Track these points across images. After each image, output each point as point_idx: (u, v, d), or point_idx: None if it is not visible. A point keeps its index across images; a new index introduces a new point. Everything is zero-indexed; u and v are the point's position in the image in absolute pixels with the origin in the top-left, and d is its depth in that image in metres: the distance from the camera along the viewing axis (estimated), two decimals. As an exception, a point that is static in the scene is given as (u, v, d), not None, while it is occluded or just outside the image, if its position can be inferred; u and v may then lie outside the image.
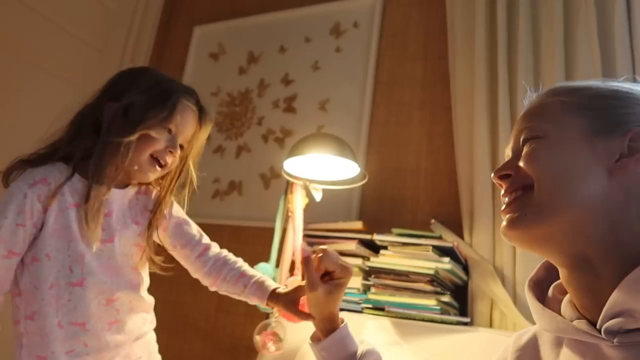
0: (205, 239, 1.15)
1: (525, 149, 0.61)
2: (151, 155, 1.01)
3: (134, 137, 0.97)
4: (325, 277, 0.89)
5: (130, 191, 1.06)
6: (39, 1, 2.10)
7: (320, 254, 0.88)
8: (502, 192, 0.63)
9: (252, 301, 1.06)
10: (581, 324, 0.55)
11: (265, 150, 2.09)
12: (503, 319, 1.40)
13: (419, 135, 1.81)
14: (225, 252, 1.14)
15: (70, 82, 2.23)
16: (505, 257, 1.43)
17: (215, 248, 1.14)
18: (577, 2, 1.51)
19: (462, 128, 1.63)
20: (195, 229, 1.16)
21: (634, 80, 0.64)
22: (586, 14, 1.49)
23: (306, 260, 0.87)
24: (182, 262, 1.14)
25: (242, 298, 1.08)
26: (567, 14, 1.53)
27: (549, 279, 0.65)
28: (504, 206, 0.62)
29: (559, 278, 0.63)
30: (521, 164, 0.60)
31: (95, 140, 0.99)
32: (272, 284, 1.06)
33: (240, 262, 1.12)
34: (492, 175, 0.64)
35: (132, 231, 1.04)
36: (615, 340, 0.51)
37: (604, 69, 1.44)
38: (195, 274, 1.13)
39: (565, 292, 0.62)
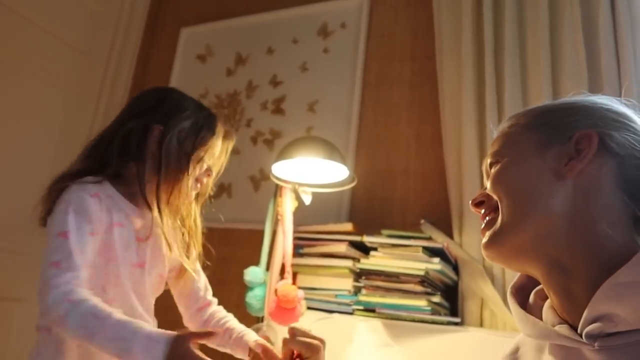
0: (209, 294, 1.17)
1: (490, 174, 0.66)
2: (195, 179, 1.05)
3: (191, 169, 1.01)
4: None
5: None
6: (22, 3, 2.07)
7: (285, 337, 0.89)
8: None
9: (237, 354, 1.08)
10: (563, 329, 0.56)
11: (255, 152, 2.08)
12: (493, 319, 1.41)
13: (408, 136, 1.81)
14: (222, 311, 1.16)
15: (54, 85, 2.21)
16: (495, 256, 1.44)
17: (214, 305, 1.17)
18: (562, 3, 1.52)
19: (450, 128, 1.63)
20: (203, 281, 1.17)
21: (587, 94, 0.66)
22: (571, 14, 1.50)
23: (265, 353, 0.83)
24: (180, 307, 1.17)
25: (228, 350, 1.10)
26: (552, 14, 1.54)
27: (530, 285, 0.67)
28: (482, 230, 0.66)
29: (540, 284, 0.64)
30: (487, 187, 0.65)
31: (139, 162, 1.00)
32: (250, 338, 1.06)
33: (230, 318, 1.14)
34: (470, 204, 0.68)
35: (161, 260, 1.06)
36: (596, 344, 0.52)
37: (589, 68, 1.45)
38: (188, 323, 1.16)
39: (546, 298, 0.63)
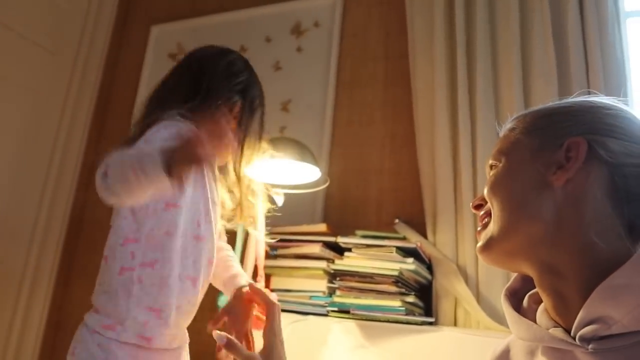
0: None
1: (487, 178, 0.67)
2: None
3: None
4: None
5: None
6: (-15, 1, 2.00)
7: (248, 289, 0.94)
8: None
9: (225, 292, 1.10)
10: (557, 332, 0.56)
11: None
12: (467, 317, 1.42)
13: (382, 135, 1.81)
14: (229, 250, 1.18)
15: (21, 85, 2.14)
16: (468, 255, 1.45)
17: (223, 236, 1.19)
18: (532, 3, 1.54)
19: (423, 127, 1.63)
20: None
21: (588, 95, 0.66)
22: (541, 14, 1.52)
23: (229, 346, 0.84)
24: None
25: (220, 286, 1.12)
26: (522, 15, 1.56)
27: (524, 288, 0.67)
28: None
29: (534, 287, 0.64)
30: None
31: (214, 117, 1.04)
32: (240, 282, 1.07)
33: (233, 259, 1.16)
34: (470, 206, 0.70)
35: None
36: (589, 346, 0.52)
37: (558, 67, 1.47)
38: None
39: (540, 302, 0.63)
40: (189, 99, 1.05)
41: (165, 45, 2.35)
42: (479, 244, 0.64)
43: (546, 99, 1.45)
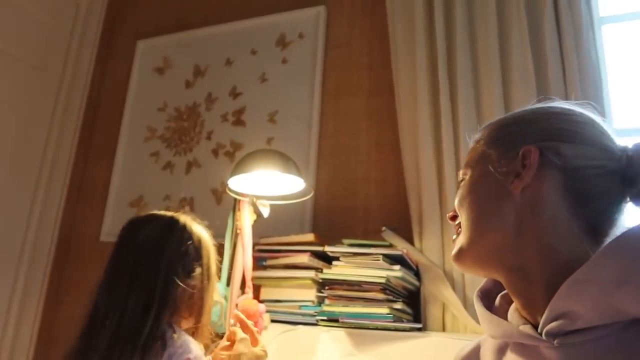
0: None
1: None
2: None
3: None
4: None
5: None
6: (-31, 19, 2.00)
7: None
8: None
9: None
10: (525, 328, 0.58)
11: (216, 165, 2.06)
12: (455, 322, 1.43)
13: (368, 145, 1.83)
14: None
15: (7, 102, 2.14)
16: (454, 260, 1.47)
17: None
18: (509, 13, 1.57)
19: (407, 136, 1.66)
20: None
21: (547, 101, 0.68)
22: (519, 21, 1.55)
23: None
24: None
25: None
26: (500, 24, 1.59)
27: (496, 289, 0.69)
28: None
29: (504, 288, 0.66)
30: None
31: None
32: None
33: None
34: (447, 217, 0.73)
35: None
36: (555, 341, 0.53)
37: (536, 74, 1.50)
38: None
39: (512, 302, 0.65)
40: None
41: (151, 60, 2.37)
42: (452, 253, 0.68)
43: (526, 103, 1.47)
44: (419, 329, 1.38)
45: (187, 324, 1.04)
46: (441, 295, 1.44)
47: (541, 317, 0.56)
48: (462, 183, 0.68)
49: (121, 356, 0.91)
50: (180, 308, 1.02)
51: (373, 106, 1.87)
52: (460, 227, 0.67)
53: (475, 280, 1.42)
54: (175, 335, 0.96)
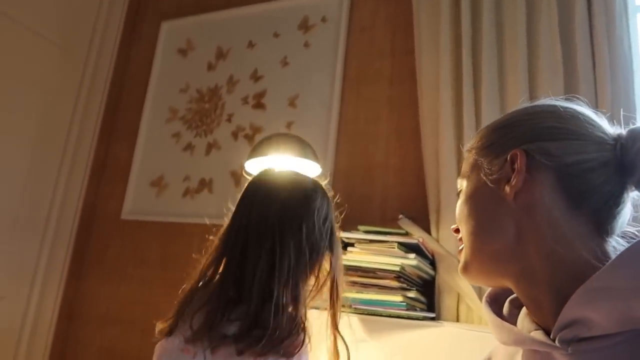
0: None
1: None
2: None
3: None
4: None
5: None
6: (-2, -2, 2.04)
7: None
8: None
9: None
10: (537, 334, 0.57)
11: (235, 147, 2.07)
12: (469, 313, 1.42)
13: (388, 132, 1.81)
14: None
15: (32, 81, 2.18)
16: (471, 251, 1.45)
17: None
18: (538, -2, 1.52)
19: (428, 124, 1.63)
20: None
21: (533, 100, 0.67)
22: (548, 9, 1.50)
23: None
24: None
25: None
26: (529, 11, 1.54)
27: (505, 294, 0.68)
28: None
29: (514, 293, 0.65)
30: None
31: None
32: None
33: None
34: (451, 230, 0.72)
35: None
36: (569, 348, 0.52)
37: (565, 63, 1.45)
38: None
39: (521, 306, 0.64)
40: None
41: (174, 41, 2.38)
42: (459, 266, 0.67)
43: (552, 94, 1.43)
44: (432, 319, 1.37)
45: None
46: (456, 286, 1.43)
47: (552, 322, 0.54)
48: (459, 198, 0.68)
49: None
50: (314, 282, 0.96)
51: (394, 93, 1.84)
52: (461, 241, 0.67)
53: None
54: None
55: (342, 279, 1.02)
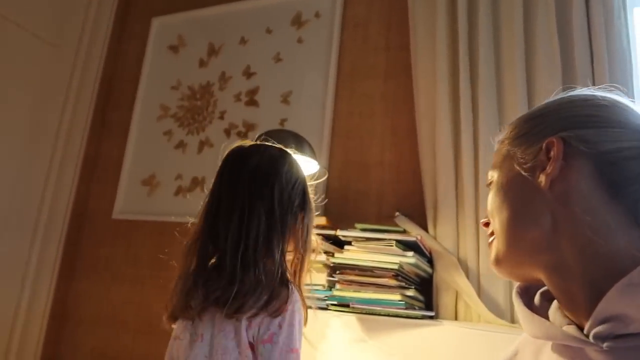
0: None
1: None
2: None
3: None
4: None
5: None
6: (-16, -7, 1.99)
7: None
8: None
9: None
10: (570, 329, 0.55)
11: (228, 144, 2.03)
12: (467, 311, 1.41)
13: (383, 128, 1.79)
14: None
15: (22, 78, 2.13)
16: (469, 248, 1.44)
17: None
18: (535, -8, 1.51)
19: (424, 120, 1.61)
20: None
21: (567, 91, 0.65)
22: (545, 4, 1.49)
23: None
24: None
25: None
26: (526, 5, 1.53)
27: (536, 286, 0.66)
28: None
29: (544, 285, 0.63)
30: None
31: None
32: None
33: None
34: (481, 224, 0.72)
35: None
36: (604, 345, 0.50)
37: (562, 58, 1.44)
38: None
39: (552, 299, 0.62)
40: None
41: (166, 38, 2.34)
42: (490, 260, 0.65)
43: (550, 90, 1.41)
44: (431, 317, 1.35)
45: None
46: (454, 284, 1.42)
47: (585, 317, 0.53)
48: (491, 186, 0.66)
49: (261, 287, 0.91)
50: (292, 239, 1.01)
51: (389, 88, 1.82)
52: (491, 236, 0.65)
53: (491, 269, 1.39)
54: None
55: (314, 237, 1.07)
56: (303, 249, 1.02)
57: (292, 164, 1.05)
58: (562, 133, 0.58)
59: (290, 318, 0.92)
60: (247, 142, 1.09)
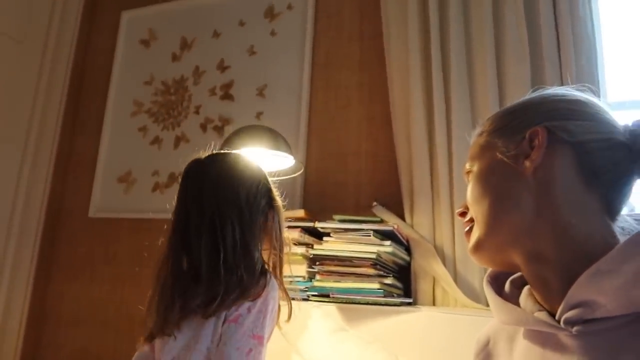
0: None
1: (468, 186, 0.69)
2: None
3: None
4: None
5: None
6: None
7: None
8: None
9: None
10: (541, 315, 0.57)
11: (205, 139, 2.02)
12: (445, 296, 1.44)
13: (359, 117, 1.80)
14: None
15: (-13, 76, 2.08)
16: (445, 236, 1.47)
17: None
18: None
19: (398, 108, 1.63)
20: None
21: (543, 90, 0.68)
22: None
23: None
24: None
25: None
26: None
27: (505, 273, 0.68)
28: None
29: (514, 272, 0.66)
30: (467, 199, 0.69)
31: None
32: None
33: None
34: (456, 214, 0.73)
35: None
36: (574, 329, 0.53)
37: (530, 45, 1.47)
38: None
39: (522, 286, 0.65)
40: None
41: (136, 31, 2.30)
42: (469, 247, 0.66)
43: (519, 76, 1.46)
44: (410, 304, 1.38)
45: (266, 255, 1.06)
46: (431, 270, 1.45)
47: (558, 302, 0.55)
48: (470, 176, 0.68)
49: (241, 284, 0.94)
50: (266, 238, 1.04)
51: (364, 78, 1.83)
52: (470, 222, 0.67)
53: (466, 255, 1.40)
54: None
55: (284, 232, 1.09)
56: (278, 245, 1.04)
57: (251, 166, 1.08)
58: (546, 123, 0.61)
59: (262, 305, 0.95)
60: (203, 154, 1.10)
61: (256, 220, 1.01)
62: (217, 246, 0.95)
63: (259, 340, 0.93)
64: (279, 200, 1.09)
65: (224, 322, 0.93)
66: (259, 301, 0.95)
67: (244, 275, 0.95)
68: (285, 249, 1.08)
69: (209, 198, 1.00)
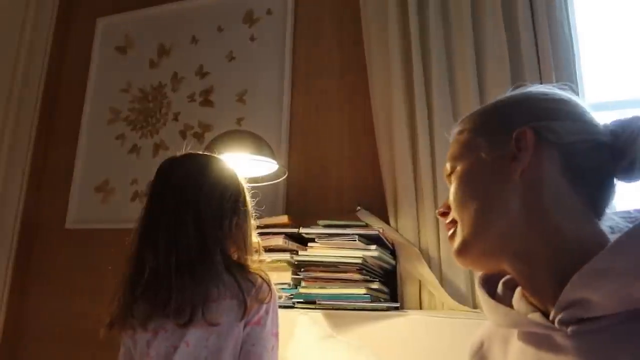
0: None
1: (450, 187, 0.67)
2: None
3: None
4: None
5: None
6: None
7: None
8: None
9: None
10: (535, 316, 0.57)
11: (185, 147, 1.99)
12: (431, 300, 1.44)
13: (340, 123, 1.79)
14: None
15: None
16: (430, 239, 1.47)
17: None
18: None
19: (381, 112, 1.63)
20: None
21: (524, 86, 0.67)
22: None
23: None
24: None
25: None
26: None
27: (497, 275, 0.67)
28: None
29: (507, 274, 0.65)
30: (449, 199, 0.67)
31: None
32: None
33: None
34: (436, 213, 0.71)
35: None
36: (568, 329, 0.52)
37: (510, 48, 1.49)
38: None
39: (514, 288, 0.64)
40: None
41: (112, 38, 2.26)
42: (454, 249, 0.64)
43: (499, 80, 1.47)
44: (396, 308, 1.37)
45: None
46: (417, 274, 1.44)
47: (551, 303, 0.55)
48: (454, 177, 0.65)
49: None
50: (231, 242, 1.03)
51: (345, 83, 1.83)
52: (453, 223, 0.65)
53: (451, 257, 1.41)
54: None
55: (253, 237, 1.10)
56: (244, 251, 1.04)
57: (221, 170, 1.07)
58: (531, 123, 0.60)
59: (274, 305, 1.01)
60: (178, 154, 1.10)
61: (218, 225, 1.00)
62: (172, 248, 0.96)
63: (277, 337, 1.00)
64: (248, 206, 1.08)
65: (245, 326, 0.96)
66: (272, 301, 0.99)
67: (203, 276, 0.95)
68: (255, 255, 1.07)
69: (170, 197, 1.00)
